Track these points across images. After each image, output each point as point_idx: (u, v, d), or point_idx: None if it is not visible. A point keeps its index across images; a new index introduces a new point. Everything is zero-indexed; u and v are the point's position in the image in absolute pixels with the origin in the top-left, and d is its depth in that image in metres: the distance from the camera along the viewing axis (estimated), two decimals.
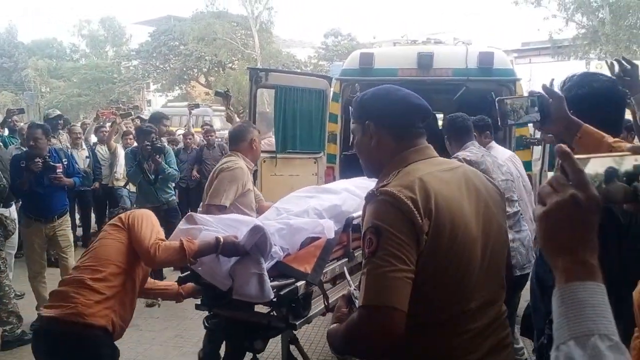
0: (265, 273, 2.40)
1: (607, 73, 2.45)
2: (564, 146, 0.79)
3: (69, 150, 6.62)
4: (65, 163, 4.98)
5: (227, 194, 3.28)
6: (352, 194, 3.22)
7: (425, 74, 4.74)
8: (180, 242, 2.46)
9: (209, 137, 8.77)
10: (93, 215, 8.21)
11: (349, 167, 4.50)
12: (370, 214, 1.40)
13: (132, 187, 7.67)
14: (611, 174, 0.80)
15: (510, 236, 3.38)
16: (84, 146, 7.67)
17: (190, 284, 2.87)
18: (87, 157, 7.60)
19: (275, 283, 2.44)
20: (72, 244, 5.13)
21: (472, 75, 4.66)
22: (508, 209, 3.43)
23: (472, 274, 1.42)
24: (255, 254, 2.43)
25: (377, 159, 1.60)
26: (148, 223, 2.61)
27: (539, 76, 15.74)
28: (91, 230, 8.15)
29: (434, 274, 1.38)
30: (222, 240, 2.48)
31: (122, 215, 2.68)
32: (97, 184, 7.80)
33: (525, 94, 2.08)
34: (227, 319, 2.80)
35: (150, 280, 2.94)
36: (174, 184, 6.05)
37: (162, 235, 2.63)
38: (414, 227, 1.34)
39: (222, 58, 32.03)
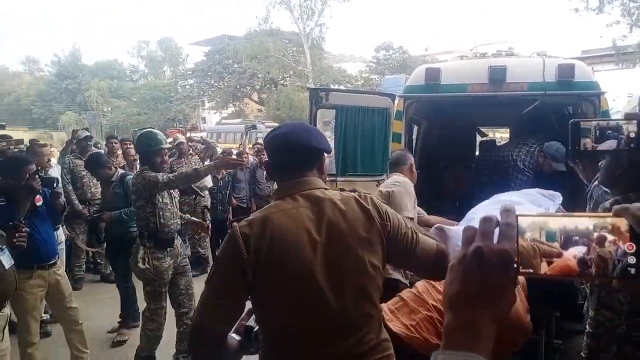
0: None
1: None
2: (508, 205, 0.72)
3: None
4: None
5: (407, 206, 3.55)
6: (533, 203, 3.48)
7: (498, 89, 4.38)
8: None
9: (261, 156, 8.64)
10: None
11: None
12: None
13: None
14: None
15: None
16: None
17: None
18: None
19: None
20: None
21: (550, 89, 4.26)
22: None
23: (313, 301, 1.60)
24: None
25: None
26: None
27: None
28: None
29: (273, 297, 1.62)
30: None
31: None
32: None
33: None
34: None
35: None
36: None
37: None
38: (238, 260, 1.58)
39: (274, 75, 32.38)
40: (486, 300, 0.68)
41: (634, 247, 0.66)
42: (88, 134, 7.47)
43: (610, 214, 0.68)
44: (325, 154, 1.87)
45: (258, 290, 1.61)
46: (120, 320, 5.28)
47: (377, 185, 5.04)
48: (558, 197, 3.97)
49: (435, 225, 3.12)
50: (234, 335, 1.70)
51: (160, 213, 4.15)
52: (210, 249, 7.83)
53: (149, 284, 4.17)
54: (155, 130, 4.53)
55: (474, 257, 0.68)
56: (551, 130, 5.48)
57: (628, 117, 1.38)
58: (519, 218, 0.71)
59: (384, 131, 4.82)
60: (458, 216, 4.57)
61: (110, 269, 6.44)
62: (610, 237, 0.67)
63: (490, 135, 9.60)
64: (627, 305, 2.07)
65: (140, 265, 4.09)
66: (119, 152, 7.78)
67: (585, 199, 4.12)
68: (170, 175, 4.10)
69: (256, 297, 1.65)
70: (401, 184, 3.68)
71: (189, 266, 4.55)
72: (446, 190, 5.74)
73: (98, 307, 5.78)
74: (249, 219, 1.67)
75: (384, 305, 2.58)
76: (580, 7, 24.08)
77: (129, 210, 4.96)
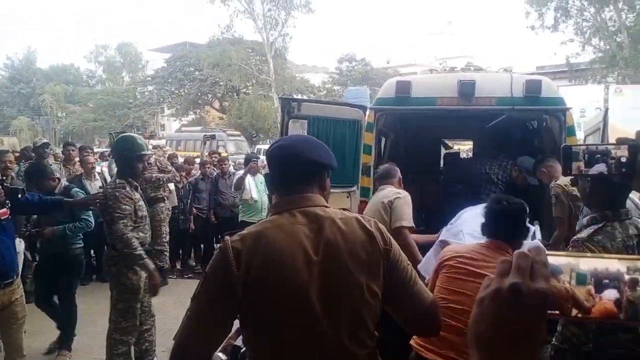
0: None
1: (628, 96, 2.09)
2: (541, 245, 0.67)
3: None
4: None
5: (408, 215, 3.66)
6: None
7: (467, 103, 4.42)
8: None
9: (223, 166, 8.50)
10: None
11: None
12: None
13: None
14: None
15: None
16: (97, 176, 7.20)
17: None
18: (100, 187, 7.01)
19: None
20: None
21: (518, 104, 4.33)
22: None
23: (305, 324, 1.49)
24: None
25: None
26: None
27: None
28: None
29: (263, 316, 1.51)
30: None
31: None
32: None
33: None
34: None
35: None
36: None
37: None
38: (227, 276, 1.48)
39: (237, 83, 32.19)
40: (521, 341, 0.64)
41: None
42: (45, 140, 7.20)
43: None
44: None
45: (248, 308, 1.50)
46: (57, 341, 4.91)
47: (347, 197, 5.03)
48: None
49: (440, 239, 3.13)
50: (220, 354, 1.61)
51: (140, 227, 3.97)
52: (170, 261, 7.64)
53: (124, 301, 3.91)
54: (135, 135, 4.33)
55: (510, 293, 0.64)
56: (516, 144, 5.61)
57: (619, 142, 1.37)
58: (550, 257, 0.68)
59: (355, 143, 4.81)
60: (426, 228, 4.59)
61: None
62: None
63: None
64: (595, 322, 2.08)
65: (140, 273, 3.88)
66: (77, 159, 7.51)
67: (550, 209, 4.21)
68: (135, 240, 3.82)
69: (245, 316, 1.54)
70: (401, 194, 3.80)
71: None
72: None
73: (49, 321, 5.48)
74: (242, 234, 1.56)
75: (413, 343, 2.47)
76: (536, 25, 25.07)
77: (73, 226, 4.64)
